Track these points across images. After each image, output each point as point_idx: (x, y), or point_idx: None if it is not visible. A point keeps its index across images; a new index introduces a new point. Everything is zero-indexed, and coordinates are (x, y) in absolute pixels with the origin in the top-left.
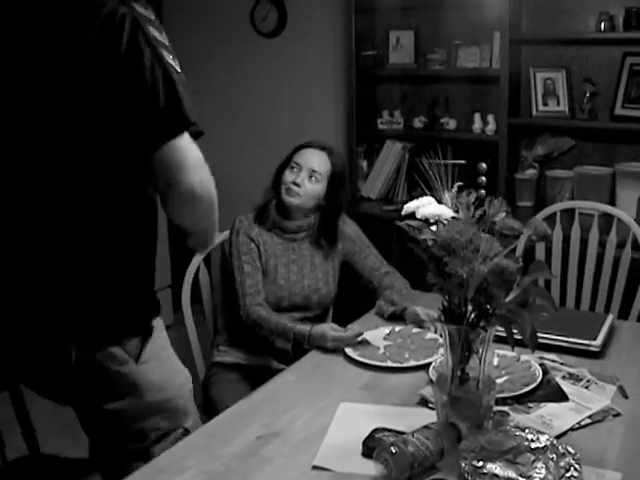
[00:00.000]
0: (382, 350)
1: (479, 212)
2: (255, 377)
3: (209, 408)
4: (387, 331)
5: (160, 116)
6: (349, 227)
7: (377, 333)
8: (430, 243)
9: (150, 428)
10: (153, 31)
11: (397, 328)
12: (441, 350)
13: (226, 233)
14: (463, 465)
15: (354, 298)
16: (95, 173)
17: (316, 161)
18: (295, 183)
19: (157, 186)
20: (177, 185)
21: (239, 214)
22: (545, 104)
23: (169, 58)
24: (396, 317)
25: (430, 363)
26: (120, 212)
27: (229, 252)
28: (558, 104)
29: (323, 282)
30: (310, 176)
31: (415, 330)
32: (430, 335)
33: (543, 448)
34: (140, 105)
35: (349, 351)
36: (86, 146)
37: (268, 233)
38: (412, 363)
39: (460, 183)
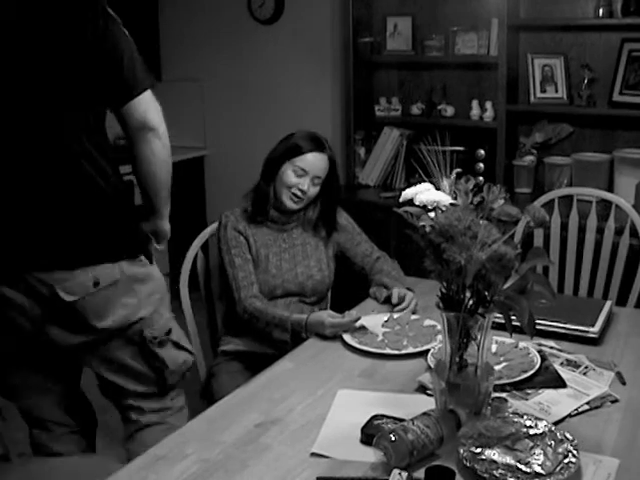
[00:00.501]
0: (380, 337)
1: (477, 199)
2: (257, 365)
3: (210, 397)
4: (385, 318)
5: (123, 81)
6: (340, 216)
7: (375, 320)
8: (428, 230)
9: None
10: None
11: (395, 315)
12: (439, 337)
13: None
14: (461, 451)
15: (351, 285)
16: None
17: (321, 167)
18: (301, 190)
19: (131, 128)
20: (146, 122)
21: (234, 202)
22: (543, 91)
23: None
24: (388, 300)
25: (428, 350)
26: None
27: (219, 248)
28: (556, 91)
29: (317, 269)
30: (313, 182)
31: (413, 317)
32: (428, 322)
33: (541, 434)
34: (109, 71)
35: (347, 338)
36: (72, 95)
37: (257, 225)
38: (410, 350)
39: (458, 170)
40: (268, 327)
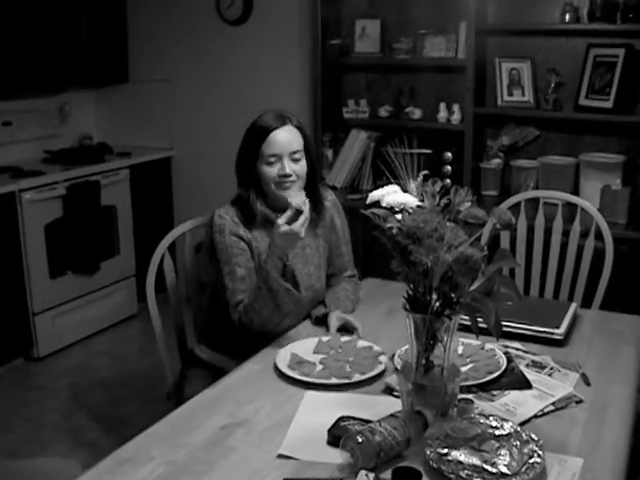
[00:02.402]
0: (320, 366)
1: (444, 201)
2: None
3: (181, 401)
4: (314, 343)
5: None
6: (339, 219)
7: (305, 346)
8: (395, 232)
9: None
10: None
11: (324, 338)
12: (381, 358)
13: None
14: (428, 452)
15: None
16: None
17: (292, 140)
18: (284, 175)
19: None
20: None
21: (201, 203)
22: (510, 94)
23: None
24: (320, 320)
25: (382, 372)
26: None
27: (212, 254)
28: (523, 94)
29: (316, 277)
30: (293, 158)
31: (344, 339)
32: (362, 343)
33: (507, 435)
34: None
35: (285, 369)
36: None
37: (255, 227)
38: (358, 377)
39: (425, 172)
40: (267, 304)
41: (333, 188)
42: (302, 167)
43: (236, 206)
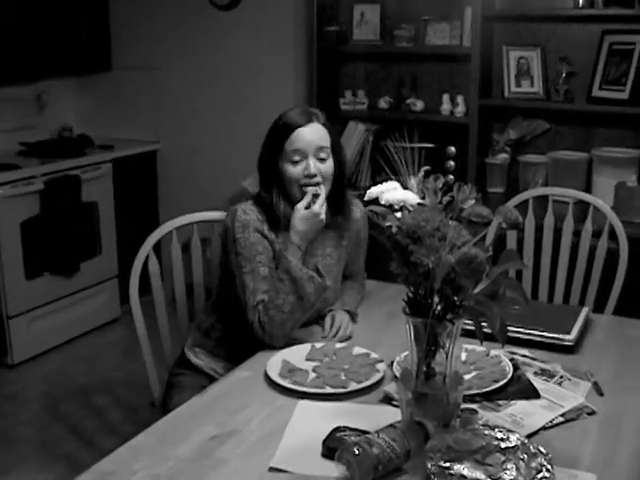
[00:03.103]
0: (313, 374)
1: (447, 198)
2: None
3: (167, 411)
4: (307, 349)
5: None
6: (364, 231)
7: (297, 353)
8: (394, 231)
9: None
10: None
11: (317, 345)
12: (379, 366)
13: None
14: (429, 466)
15: None
16: None
17: (318, 137)
18: (309, 175)
19: None
20: None
21: (189, 201)
22: (518, 85)
23: None
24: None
25: (380, 381)
26: None
27: (232, 249)
28: (532, 85)
29: (332, 290)
30: (319, 157)
31: (339, 345)
32: (358, 350)
33: (513, 448)
34: None
35: (278, 379)
36: None
37: (277, 229)
38: (354, 386)
39: (427, 167)
40: (289, 298)
41: None
42: (328, 167)
43: (258, 207)
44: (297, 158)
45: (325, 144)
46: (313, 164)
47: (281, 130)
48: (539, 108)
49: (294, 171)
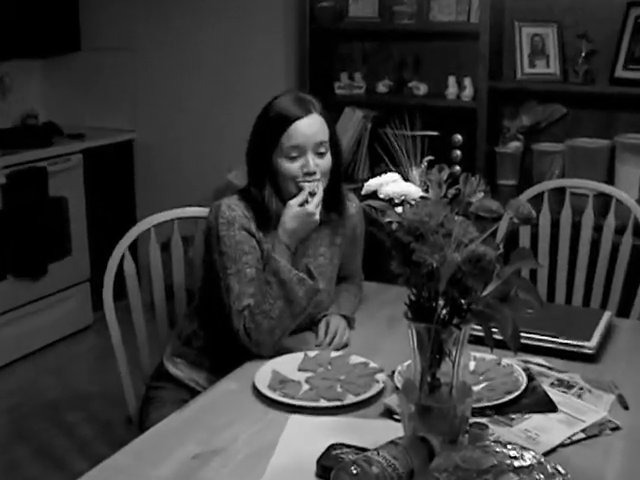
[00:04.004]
0: (305, 386)
1: (452, 191)
2: None
3: (144, 428)
4: (299, 359)
5: None
6: (360, 228)
7: (288, 363)
8: (395, 227)
9: None
10: None
11: (311, 354)
12: (379, 376)
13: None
14: None
15: None
16: None
17: (318, 130)
18: (308, 173)
19: None
20: None
21: (169, 195)
22: (532, 65)
23: None
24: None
25: (380, 393)
26: None
27: (215, 249)
28: (548, 65)
29: (327, 293)
30: (318, 152)
31: (334, 354)
32: (355, 359)
33: (528, 467)
34: None
35: (268, 392)
36: None
37: (266, 228)
38: (352, 399)
39: (430, 157)
40: (277, 302)
41: None
42: (327, 162)
43: (245, 202)
44: (294, 154)
45: (324, 138)
46: (312, 161)
47: (276, 122)
48: (555, 91)
49: (291, 168)
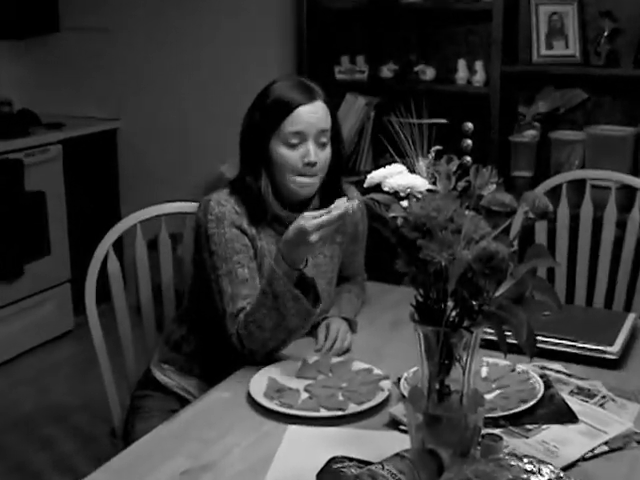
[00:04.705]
0: (304, 394)
1: (462, 184)
2: None
3: (130, 440)
4: (298, 365)
5: None
6: (362, 224)
7: (285, 369)
8: (400, 223)
9: None
10: None
11: (310, 359)
12: (384, 383)
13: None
14: None
15: None
16: None
17: (321, 117)
18: (310, 164)
19: None
20: None
21: (154, 188)
22: (550, 47)
23: None
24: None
25: (385, 401)
26: None
27: (205, 248)
28: (567, 46)
29: (326, 293)
30: (319, 142)
31: (335, 360)
32: (358, 365)
33: None
34: None
35: (263, 401)
36: None
37: (259, 224)
38: (354, 408)
39: (439, 147)
40: (271, 314)
41: None
42: (327, 155)
43: (238, 196)
44: (295, 141)
45: (327, 126)
46: (314, 150)
47: (277, 106)
48: (575, 74)
49: (291, 156)
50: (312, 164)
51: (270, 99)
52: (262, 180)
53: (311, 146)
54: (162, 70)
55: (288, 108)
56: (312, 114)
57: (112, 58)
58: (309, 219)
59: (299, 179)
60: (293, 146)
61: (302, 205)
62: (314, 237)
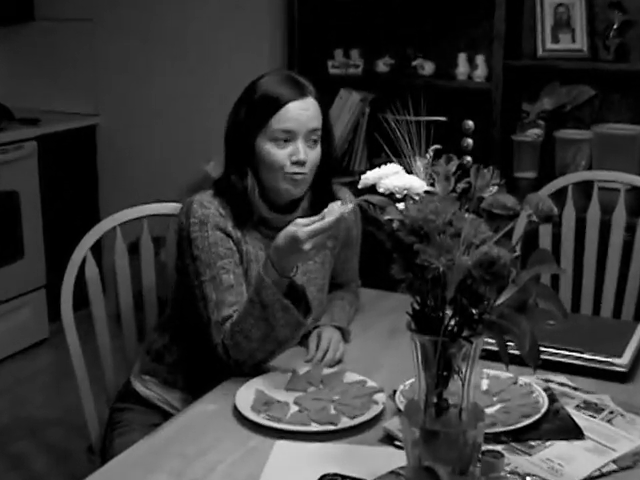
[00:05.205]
0: (294, 407)
1: (462, 185)
2: None
3: (108, 457)
4: (287, 377)
5: None
6: (356, 228)
7: (274, 383)
8: (396, 226)
9: None
10: None
11: (301, 370)
12: (379, 396)
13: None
14: None
15: None
16: None
17: (311, 115)
18: (298, 162)
19: None
20: None
21: (136, 187)
22: (556, 40)
23: None
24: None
25: (379, 415)
26: None
27: (187, 253)
28: (573, 40)
29: (318, 301)
30: (309, 140)
31: (327, 371)
32: (351, 376)
33: None
34: None
35: (250, 414)
36: None
37: (245, 227)
38: (347, 422)
39: (437, 146)
40: (259, 324)
41: None
42: (317, 155)
43: (222, 197)
44: (284, 139)
45: (318, 125)
46: (303, 149)
47: (265, 102)
48: (582, 69)
49: (279, 154)
50: (301, 163)
51: (257, 94)
52: (248, 179)
53: (300, 144)
54: (145, 63)
55: (277, 104)
56: (302, 111)
57: (91, 50)
58: (301, 226)
59: (291, 189)
60: (281, 144)
61: (290, 207)
62: (307, 245)
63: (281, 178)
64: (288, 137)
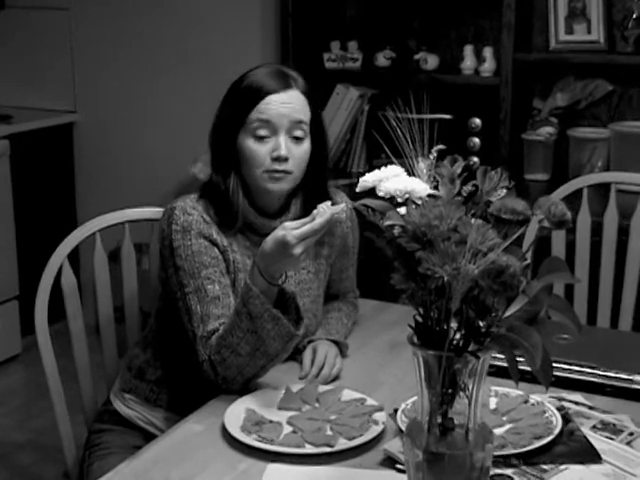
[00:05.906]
0: (287, 428)
1: (468, 188)
2: None
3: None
4: (280, 394)
5: None
6: (353, 234)
7: (266, 401)
8: (397, 232)
9: None
10: None
11: (294, 388)
12: (378, 416)
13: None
14: None
15: None
16: None
17: (295, 108)
18: (279, 158)
19: None
20: None
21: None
22: (570, 31)
23: None
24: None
25: (379, 436)
26: None
27: (170, 262)
28: (589, 31)
29: (312, 313)
30: (293, 135)
31: (323, 388)
32: (348, 394)
33: None
34: None
35: (240, 435)
36: None
37: (231, 232)
38: (344, 444)
39: (442, 146)
40: (247, 337)
41: None
42: (303, 152)
43: (207, 200)
44: (264, 133)
45: (303, 118)
46: (284, 144)
47: (246, 94)
48: (599, 63)
49: (258, 150)
50: (282, 159)
51: (240, 88)
52: (231, 179)
53: (282, 139)
54: (125, 56)
55: (257, 96)
56: (284, 104)
57: (68, 41)
58: (290, 229)
59: (272, 185)
60: (261, 139)
61: (280, 212)
62: (297, 250)
63: (262, 176)
64: (268, 132)
